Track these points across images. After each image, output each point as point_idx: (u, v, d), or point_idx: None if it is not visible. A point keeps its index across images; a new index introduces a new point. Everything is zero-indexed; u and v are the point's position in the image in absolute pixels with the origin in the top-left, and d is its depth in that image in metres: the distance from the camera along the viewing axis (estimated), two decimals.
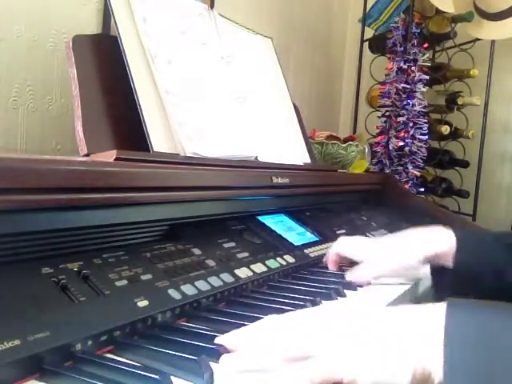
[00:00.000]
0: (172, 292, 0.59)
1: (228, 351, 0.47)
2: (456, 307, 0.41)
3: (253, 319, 0.57)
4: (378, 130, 1.85)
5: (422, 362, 0.39)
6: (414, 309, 0.44)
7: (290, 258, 0.85)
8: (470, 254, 0.76)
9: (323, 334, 0.43)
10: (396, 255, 0.80)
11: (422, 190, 1.83)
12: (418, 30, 1.81)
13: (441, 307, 0.40)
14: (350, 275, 0.81)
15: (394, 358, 0.40)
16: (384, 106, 1.81)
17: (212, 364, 0.45)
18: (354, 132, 2.01)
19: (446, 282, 0.78)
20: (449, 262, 0.77)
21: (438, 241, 0.78)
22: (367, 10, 2.01)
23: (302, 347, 0.42)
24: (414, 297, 0.84)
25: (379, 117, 1.86)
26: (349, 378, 0.40)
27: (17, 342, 0.42)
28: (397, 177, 1.74)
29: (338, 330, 0.43)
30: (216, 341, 0.48)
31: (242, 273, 0.72)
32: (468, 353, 0.37)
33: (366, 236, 1.18)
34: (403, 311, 0.44)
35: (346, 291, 0.74)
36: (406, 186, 1.74)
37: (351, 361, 0.40)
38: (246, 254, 0.77)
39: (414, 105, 1.75)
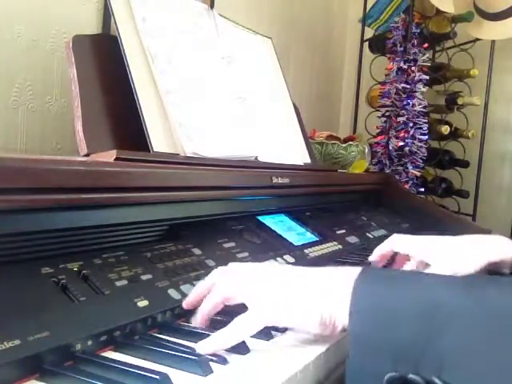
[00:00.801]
0: (172, 292, 0.59)
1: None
2: (368, 270, 0.50)
3: None
4: (378, 130, 1.85)
5: (329, 308, 0.48)
6: (335, 268, 0.54)
7: (289, 258, 0.85)
8: None
9: (258, 283, 0.53)
10: (461, 259, 0.77)
11: (422, 190, 1.83)
12: (418, 30, 1.81)
13: (357, 269, 0.49)
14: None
15: (307, 303, 0.50)
16: (384, 105, 1.81)
17: (212, 364, 0.45)
18: (354, 132, 2.01)
19: None
20: (506, 270, 0.77)
21: (501, 248, 0.78)
22: (367, 10, 2.01)
23: (241, 294, 0.53)
24: None
25: (379, 117, 1.86)
26: (273, 320, 0.51)
27: (17, 341, 0.42)
28: (397, 177, 1.74)
29: (271, 281, 0.53)
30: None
31: None
32: (370, 300, 0.45)
33: (366, 236, 1.18)
34: (325, 269, 0.54)
35: None
36: (406, 186, 1.74)
37: (277, 307, 0.50)
38: (246, 254, 0.77)
39: (414, 105, 1.75)
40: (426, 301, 0.44)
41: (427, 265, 0.79)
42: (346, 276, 0.49)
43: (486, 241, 0.81)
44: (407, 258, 0.83)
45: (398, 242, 0.84)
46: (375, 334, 0.44)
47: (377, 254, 0.85)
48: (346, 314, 0.46)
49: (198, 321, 0.55)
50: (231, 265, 0.59)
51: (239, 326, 0.50)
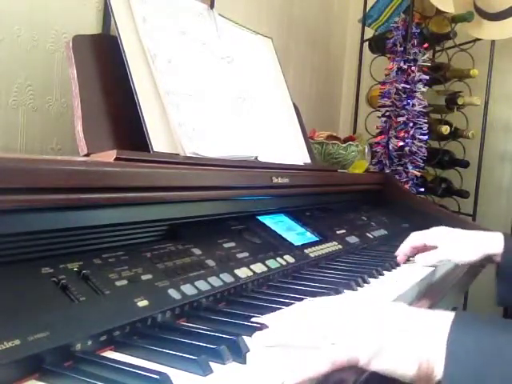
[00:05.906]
0: (172, 292, 0.59)
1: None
2: (461, 317, 0.47)
3: (253, 319, 0.57)
4: (378, 130, 1.85)
5: (428, 358, 0.45)
6: (427, 312, 0.51)
7: (290, 258, 0.85)
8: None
9: (347, 322, 0.49)
10: (465, 248, 0.93)
11: (422, 190, 1.83)
12: (418, 30, 1.81)
13: (450, 315, 0.47)
14: (421, 258, 0.96)
15: (404, 350, 0.46)
16: (384, 105, 1.81)
17: (212, 364, 0.45)
18: (354, 132, 2.01)
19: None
20: (497, 259, 0.90)
21: (497, 242, 0.91)
22: (367, 10, 2.01)
23: (327, 330, 0.49)
24: (430, 284, 0.95)
25: (379, 117, 1.86)
26: (363, 362, 0.47)
27: (17, 342, 0.42)
28: (397, 177, 1.74)
29: (361, 321, 0.49)
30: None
31: (242, 273, 0.72)
32: (466, 361, 0.43)
33: (366, 236, 1.18)
34: (417, 312, 0.51)
35: (345, 291, 0.74)
36: (406, 186, 1.73)
37: (368, 348, 0.47)
38: (246, 254, 0.77)
39: (414, 105, 1.75)
40: None
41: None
42: (440, 321, 0.47)
43: (486, 236, 0.95)
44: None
45: (416, 239, 0.99)
46: None
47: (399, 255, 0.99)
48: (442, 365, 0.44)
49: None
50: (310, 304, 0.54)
51: (323, 359, 0.46)
